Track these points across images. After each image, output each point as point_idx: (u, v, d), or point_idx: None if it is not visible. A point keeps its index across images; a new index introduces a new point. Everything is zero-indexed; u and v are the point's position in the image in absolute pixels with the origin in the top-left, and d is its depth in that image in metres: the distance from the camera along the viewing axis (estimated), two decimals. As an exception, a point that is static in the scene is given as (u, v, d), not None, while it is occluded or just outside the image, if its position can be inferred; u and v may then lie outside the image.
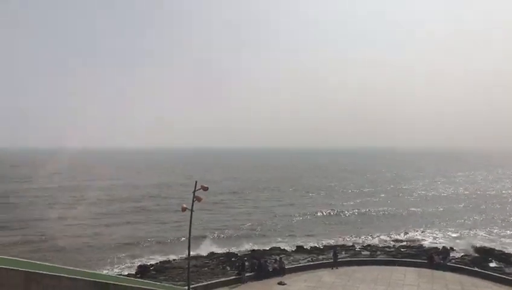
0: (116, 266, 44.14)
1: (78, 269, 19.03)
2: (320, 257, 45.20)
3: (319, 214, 77.95)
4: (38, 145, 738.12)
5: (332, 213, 78.92)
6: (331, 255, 37.32)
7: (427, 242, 54.59)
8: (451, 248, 49.39)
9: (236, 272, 34.39)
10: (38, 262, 16.76)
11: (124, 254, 48.35)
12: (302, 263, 39.37)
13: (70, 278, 14.87)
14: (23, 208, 78.60)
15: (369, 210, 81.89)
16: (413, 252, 47.50)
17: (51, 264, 16.98)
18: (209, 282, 31.41)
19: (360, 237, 57.88)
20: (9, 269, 13.30)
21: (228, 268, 40.60)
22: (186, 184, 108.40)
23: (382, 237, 58.16)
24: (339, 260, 36.35)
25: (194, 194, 23.06)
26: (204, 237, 55.90)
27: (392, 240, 55.88)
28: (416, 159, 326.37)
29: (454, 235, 59.85)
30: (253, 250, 49.57)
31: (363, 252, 48.22)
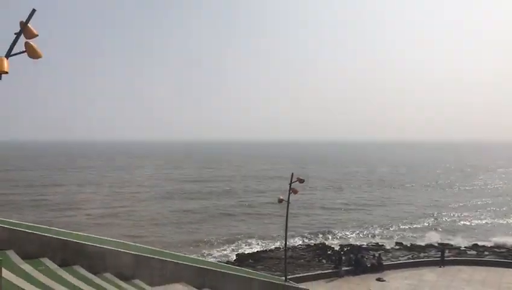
0: (214, 252, 45.93)
1: (181, 254, 20.04)
2: (422, 254, 43.23)
3: (416, 209, 74.55)
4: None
5: (430, 209, 75.07)
6: (439, 253, 35.62)
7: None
8: None
9: (333, 265, 34.08)
10: (146, 246, 17.85)
11: (221, 242, 50.07)
12: (403, 260, 37.94)
13: (174, 262, 15.64)
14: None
15: (471, 207, 76.74)
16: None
17: (157, 249, 18.01)
18: (305, 274, 31.49)
19: (464, 235, 54.42)
20: (121, 252, 14.38)
21: (324, 261, 40.31)
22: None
23: (490, 235, 54.13)
24: (445, 258, 34.55)
25: (290, 186, 23.26)
26: (300, 228, 56.12)
27: (502, 239, 51.69)
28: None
29: None
30: (350, 244, 48.76)
31: (468, 252, 45.22)
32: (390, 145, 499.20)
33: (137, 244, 17.58)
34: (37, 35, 7.80)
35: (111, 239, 16.54)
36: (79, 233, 15.57)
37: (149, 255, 15.13)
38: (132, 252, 14.71)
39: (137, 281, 14.07)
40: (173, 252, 18.73)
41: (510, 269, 32.19)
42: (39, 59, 7.97)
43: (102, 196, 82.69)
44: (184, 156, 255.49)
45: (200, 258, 31.12)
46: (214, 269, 16.87)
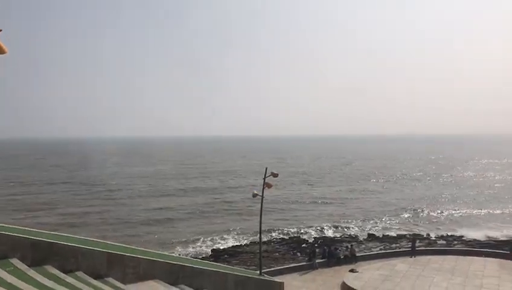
0: (189, 249, 45.85)
1: (155, 251, 19.94)
2: (393, 245, 44.14)
3: (386, 200, 76.05)
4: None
5: (400, 199, 76.69)
6: (409, 243, 36.34)
7: (509, 232, 51.43)
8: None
9: (307, 258, 34.45)
10: (120, 244, 17.72)
11: (196, 238, 49.98)
12: (375, 251, 38.62)
13: (149, 259, 15.58)
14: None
15: (438, 197, 78.71)
16: (493, 242, 45.04)
17: (131, 247, 17.89)
18: (280, 267, 31.72)
19: (434, 226, 55.86)
20: (94, 250, 14.24)
21: (299, 254, 40.77)
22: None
23: (459, 225, 55.71)
24: (416, 249, 35.29)
25: (264, 181, 23.35)
26: (275, 222, 56.49)
27: (470, 229, 53.24)
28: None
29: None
30: (324, 237, 49.40)
31: (438, 242, 46.41)
32: (369, 140, 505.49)
33: (110, 243, 17.42)
34: (1, 30, 7.64)
35: (83, 237, 16.37)
36: (50, 232, 15.35)
37: (122, 253, 15.02)
38: (105, 250, 14.58)
39: (110, 279, 13.97)
40: (147, 250, 18.63)
41: (477, 257, 33.12)
42: (4, 55, 7.80)
43: (73, 195, 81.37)
44: (163, 152, 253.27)
45: (174, 254, 31.06)
46: (187, 265, 16.85)
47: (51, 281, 11.53)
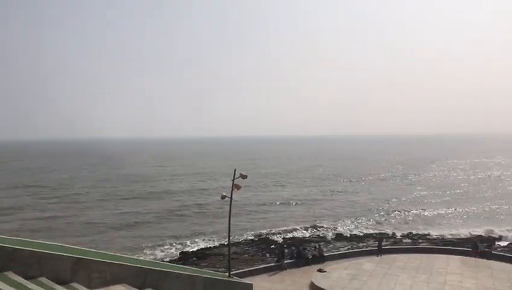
0: (158, 252, 45.37)
1: (122, 255, 19.68)
2: (361, 244, 44.87)
3: (355, 200, 77.27)
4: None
5: (368, 200, 78.09)
6: (376, 243, 36.96)
7: (471, 229, 53.03)
8: (498, 235, 47.95)
9: (276, 259, 34.61)
10: (86, 248, 17.38)
11: (165, 241, 49.52)
12: (342, 251, 39.17)
13: (115, 263, 15.34)
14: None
15: (404, 197, 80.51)
16: (456, 240, 46.40)
17: (97, 251, 17.60)
18: (249, 269, 31.76)
19: (400, 225, 57.10)
20: (58, 255, 13.90)
21: (268, 255, 40.96)
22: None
23: (423, 224, 57.10)
24: (382, 247, 35.94)
25: (233, 183, 23.34)
26: (244, 223, 56.54)
27: (434, 228, 54.69)
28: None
29: (500, 222, 57.94)
30: (293, 237, 49.76)
31: (404, 240, 47.47)
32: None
33: (75, 247, 17.08)
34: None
35: (47, 242, 15.98)
36: (12, 237, 14.92)
37: (88, 258, 14.74)
38: (70, 255, 14.27)
39: (75, 285, 13.67)
40: (113, 253, 18.37)
41: (441, 255, 34.01)
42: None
43: (38, 199, 79.31)
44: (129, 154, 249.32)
45: (142, 258, 30.66)
46: (155, 268, 16.67)
47: (13, 288, 11.23)
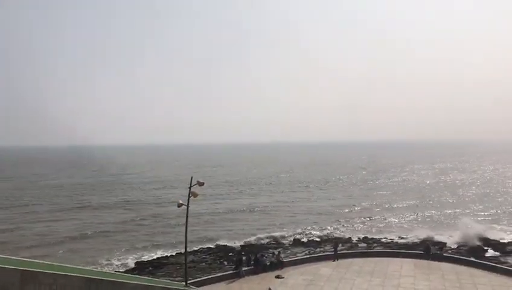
0: (111, 261, 44.24)
1: (73, 266, 19.01)
2: (318, 249, 45.34)
3: (315, 207, 78.19)
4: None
5: (327, 205, 79.24)
6: (332, 248, 37.37)
7: (423, 233, 54.59)
8: (448, 238, 49.57)
9: (233, 266, 34.44)
10: (34, 260, 16.70)
11: (120, 251, 48.34)
12: (300, 256, 39.43)
13: (66, 275, 14.80)
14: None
15: (363, 202, 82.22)
16: (409, 243, 47.68)
17: (47, 262, 16.93)
18: (206, 277, 31.46)
19: (356, 230, 58.14)
20: (4, 267, 13.27)
21: (225, 263, 40.71)
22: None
23: (378, 229, 58.39)
24: (338, 252, 36.43)
25: (189, 190, 23.09)
26: (201, 232, 56.00)
27: (388, 232, 55.98)
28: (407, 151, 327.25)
29: (450, 225, 60.05)
30: (251, 244, 49.65)
31: (360, 245, 48.35)
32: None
33: (23, 259, 16.39)
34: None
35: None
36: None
37: (36, 270, 14.15)
38: (18, 268, 13.66)
39: (23, 298, 13.10)
40: (63, 265, 17.73)
41: (395, 259, 34.89)
42: None
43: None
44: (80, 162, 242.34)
45: (93, 269, 29.79)
46: (107, 279, 16.23)
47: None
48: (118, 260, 44.95)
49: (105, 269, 38.45)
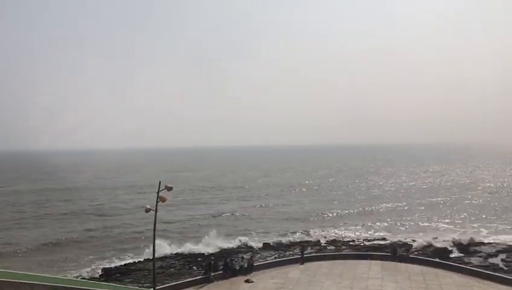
0: (79, 269, 43.12)
1: (37, 274, 18.49)
2: (287, 253, 45.53)
3: (284, 210, 78.53)
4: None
5: (297, 209, 79.70)
6: (299, 251, 37.46)
7: (390, 235, 55.67)
8: (414, 240, 50.64)
9: (203, 271, 34.16)
10: (-4, 269, 16.15)
11: (86, 257, 47.26)
12: (270, 260, 39.43)
13: (30, 283, 14.38)
14: None
15: (333, 206, 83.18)
16: (376, 245, 48.43)
17: (10, 271, 16.39)
18: (175, 283, 31.06)
19: (325, 233, 58.61)
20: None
21: (195, 268, 40.45)
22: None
23: (346, 232, 59.06)
24: (305, 255, 36.57)
25: (158, 195, 22.77)
26: (170, 237, 55.35)
27: (356, 235, 56.76)
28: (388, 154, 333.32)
29: (416, 227, 61.38)
30: (221, 249, 49.39)
31: (328, 247, 48.81)
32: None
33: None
34: None
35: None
36: None
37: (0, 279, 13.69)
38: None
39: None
40: (28, 273, 17.21)
41: (362, 260, 35.26)
42: None
43: None
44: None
45: (59, 276, 29.02)
46: (72, 286, 15.85)
47: None
48: (85, 267, 43.89)
49: (71, 277, 37.49)
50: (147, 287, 28.30)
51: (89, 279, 35.03)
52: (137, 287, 24.99)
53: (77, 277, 37.91)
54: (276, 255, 44.72)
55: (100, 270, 41.69)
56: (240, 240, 54.25)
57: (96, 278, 38.05)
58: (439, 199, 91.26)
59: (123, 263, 44.54)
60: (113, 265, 43.76)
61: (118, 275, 39.42)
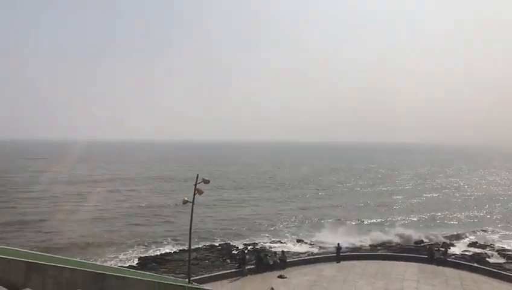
0: (117, 257, 44.31)
1: (79, 260, 19.12)
2: (321, 251, 45.30)
3: (320, 209, 77.99)
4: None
5: (334, 208, 79.04)
6: (335, 249, 37.28)
7: (428, 238, 54.37)
8: (452, 244, 49.40)
9: (236, 265, 34.49)
10: (40, 253, 16.79)
11: (125, 246, 48.46)
12: (303, 257, 39.41)
13: (71, 268, 14.88)
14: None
15: (369, 205, 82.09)
16: (413, 247, 47.49)
17: (53, 255, 17.02)
18: (209, 275, 31.52)
19: (361, 232, 57.85)
20: (10, 259, 13.35)
21: (228, 261, 40.78)
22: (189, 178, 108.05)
23: (383, 232, 58.05)
24: (341, 254, 36.35)
25: (195, 187, 23.11)
26: (205, 230, 56.03)
27: (393, 236, 55.66)
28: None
29: (455, 231, 59.75)
30: (255, 243, 49.71)
31: (363, 247, 48.22)
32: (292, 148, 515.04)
33: (28, 251, 16.52)
34: None
35: (-2, 246, 15.33)
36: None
37: (42, 262, 14.23)
38: (23, 259, 13.74)
39: (28, 291, 13.18)
40: (69, 258, 17.82)
41: (399, 262, 34.80)
42: None
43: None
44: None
45: (98, 263, 29.90)
46: (111, 273, 16.25)
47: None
48: (123, 254, 45.10)
49: (110, 263, 38.56)
50: (181, 277, 28.76)
51: (126, 267, 35.87)
52: (172, 277, 25.46)
53: (114, 264, 38.96)
54: (310, 253, 44.56)
55: (137, 259, 42.75)
56: (274, 236, 54.39)
57: (133, 266, 38.99)
58: (482, 202, 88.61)
59: (159, 252, 45.45)
60: (149, 254, 44.77)
61: (153, 264, 40.25)
